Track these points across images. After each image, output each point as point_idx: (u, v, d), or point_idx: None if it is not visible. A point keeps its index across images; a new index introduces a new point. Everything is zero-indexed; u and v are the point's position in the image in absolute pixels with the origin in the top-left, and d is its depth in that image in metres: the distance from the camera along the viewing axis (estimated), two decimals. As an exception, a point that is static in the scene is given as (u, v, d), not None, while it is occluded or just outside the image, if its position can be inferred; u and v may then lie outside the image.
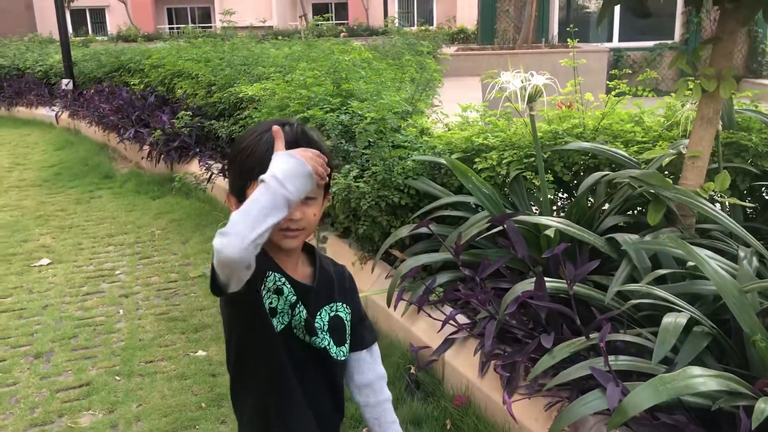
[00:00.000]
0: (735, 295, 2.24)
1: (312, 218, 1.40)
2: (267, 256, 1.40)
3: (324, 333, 1.46)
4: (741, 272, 2.49)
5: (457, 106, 4.28)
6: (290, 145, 1.32)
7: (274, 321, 1.40)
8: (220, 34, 10.42)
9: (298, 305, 1.42)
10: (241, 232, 1.15)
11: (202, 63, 7.74)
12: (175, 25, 36.13)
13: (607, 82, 4.02)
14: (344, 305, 1.53)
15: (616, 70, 4.09)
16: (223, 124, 6.30)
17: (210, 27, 28.62)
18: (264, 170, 1.24)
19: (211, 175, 6.29)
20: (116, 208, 6.54)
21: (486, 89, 3.31)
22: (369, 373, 1.60)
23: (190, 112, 6.87)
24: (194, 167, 6.86)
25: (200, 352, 3.67)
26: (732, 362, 2.31)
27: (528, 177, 3.47)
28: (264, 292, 1.38)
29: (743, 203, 3.14)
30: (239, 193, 1.40)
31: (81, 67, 11.55)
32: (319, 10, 33.76)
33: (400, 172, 3.59)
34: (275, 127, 1.32)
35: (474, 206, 3.49)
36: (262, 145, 1.36)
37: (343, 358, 1.51)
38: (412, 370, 3.03)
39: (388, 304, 3.29)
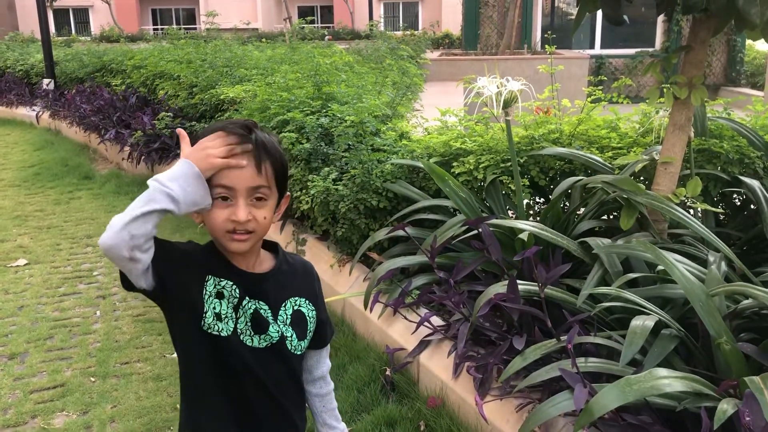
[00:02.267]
0: (702, 299, 2.28)
1: (263, 221, 1.40)
2: (211, 258, 1.43)
3: (286, 326, 1.48)
4: (709, 276, 2.53)
5: (437, 110, 4.32)
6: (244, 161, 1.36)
7: (220, 325, 1.41)
8: (204, 35, 10.38)
9: (243, 303, 1.43)
10: (114, 223, 1.27)
11: (184, 64, 7.73)
12: (159, 26, 35.98)
13: (584, 89, 4.07)
14: (308, 302, 1.54)
15: (591, 77, 4.15)
16: (205, 126, 6.28)
17: (195, 28, 28.52)
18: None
19: (191, 177, 6.26)
20: (95, 209, 6.50)
21: (465, 94, 3.34)
22: (324, 367, 1.66)
23: (171, 114, 6.85)
24: (175, 168, 6.83)
25: (176, 354, 3.66)
26: (699, 365, 2.36)
27: (504, 181, 3.51)
28: (206, 297, 1.40)
29: (714, 209, 3.20)
30: None
31: (63, 67, 11.47)
32: (305, 12, 33.77)
33: (379, 176, 3.61)
34: (179, 129, 1.41)
35: (451, 210, 3.52)
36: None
37: (299, 353, 1.52)
38: (388, 372, 3.05)
39: (365, 307, 3.31)
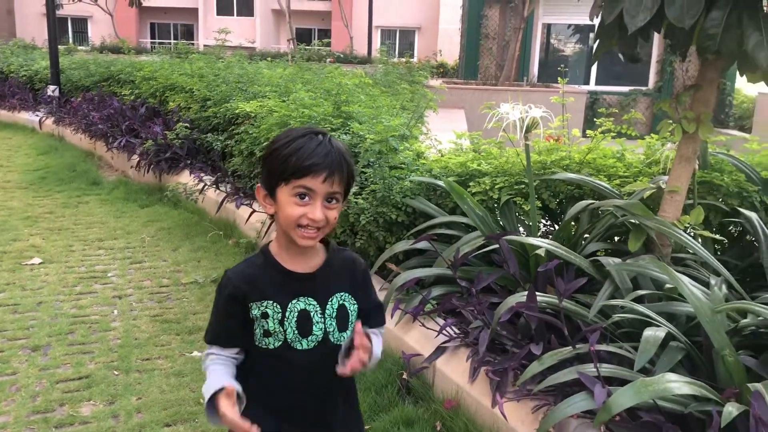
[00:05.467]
0: (708, 315, 2.49)
1: (332, 220, 1.57)
2: (254, 280, 1.61)
3: (332, 319, 1.63)
4: (713, 296, 2.74)
5: (444, 134, 4.55)
6: (327, 167, 1.51)
7: (271, 339, 1.60)
8: (213, 51, 10.61)
9: (288, 313, 1.60)
10: None
11: (196, 78, 7.92)
12: (157, 40, 36.29)
13: (593, 121, 4.31)
14: (350, 297, 1.68)
15: (603, 109, 4.39)
16: (218, 138, 6.47)
17: (192, 44, 28.78)
18: (294, 177, 1.52)
19: (203, 187, 6.43)
20: (105, 214, 6.63)
21: (486, 119, 3.55)
22: (377, 344, 1.71)
23: (187, 125, 7.02)
24: (184, 178, 7.00)
25: (195, 353, 3.80)
26: (702, 375, 2.55)
27: (518, 202, 3.72)
28: (255, 322, 1.62)
29: (714, 236, 3.42)
30: (269, 189, 1.59)
31: (68, 75, 11.63)
32: (302, 34, 34.27)
33: (399, 191, 3.81)
34: (229, 386, 1.54)
35: (466, 226, 3.72)
36: (296, 156, 1.53)
37: (340, 343, 1.65)
38: (404, 376, 3.22)
39: (383, 314, 3.48)
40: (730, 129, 14.14)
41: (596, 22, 3.11)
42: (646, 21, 2.74)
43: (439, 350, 3.15)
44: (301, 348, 1.61)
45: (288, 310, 1.60)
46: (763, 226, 3.39)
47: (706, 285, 2.97)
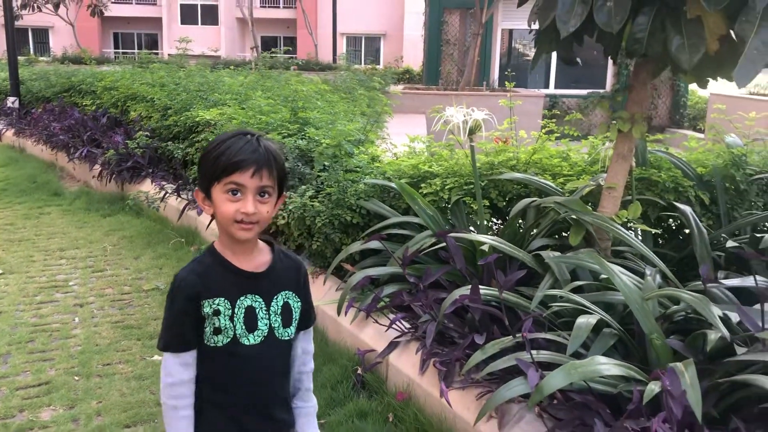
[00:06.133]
0: (638, 302, 2.65)
1: (265, 214, 1.66)
2: (206, 277, 1.69)
3: (276, 316, 1.74)
4: (645, 285, 2.91)
5: (403, 138, 4.69)
6: (254, 162, 1.61)
7: (220, 337, 1.69)
8: (174, 60, 10.64)
9: (236, 309, 1.70)
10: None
11: (157, 87, 7.96)
12: (120, 50, 35.99)
13: (539, 122, 4.49)
14: (295, 295, 1.79)
15: (546, 111, 4.57)
16: (179, 146, 6.52)
17: (157, 53, 28.62)
18: (224, 175, 1.61)
19: (165, 195, 6.47)
20: (66, 224, 6.63)
21: (432, 123, 3.69)
22: (309, 345, 1.89)
23: (148, 133, 7.06)
24: (146, 187, 7.03)
25: (156, 357, 3.86)
26: (635, 359, 2.71)
27: (467, 202, 3.87)
28: (206, 320, 1.69)
29: (652, 230, 3.60)
30: (205, 191, 1.69)
31: (28, 86, 11.55)
32: (267, 42, 34.29)
33: (353, 194, 3.93)
34: None
35: (419, 226, 3.85)
36: (225, 155, 1.63)
37: (287, 338, 1.77)
38: (359, 371, 3.33)
39: (339, 312, 3.60)
40: (684, 129, 14.54)
41: (531, 28, 3.27)
42: (576, 27, 2.90)
43: (392, 345, 3.27)
44: (248, 343, 1.71)
45: (236, 306, 1.69)
46: (697, 219, 3.58)
47: (642, 276, 3.14)
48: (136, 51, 35.78)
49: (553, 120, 4.32)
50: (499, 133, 4.32)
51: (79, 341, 4.05)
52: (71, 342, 4.04)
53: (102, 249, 5.87)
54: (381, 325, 3.38)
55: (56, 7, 23.09)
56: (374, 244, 3.53)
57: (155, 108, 7.45)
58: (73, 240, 6.12)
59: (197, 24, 35.38)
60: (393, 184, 3.89)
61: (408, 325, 3.29)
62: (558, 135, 4.27)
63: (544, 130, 4.30)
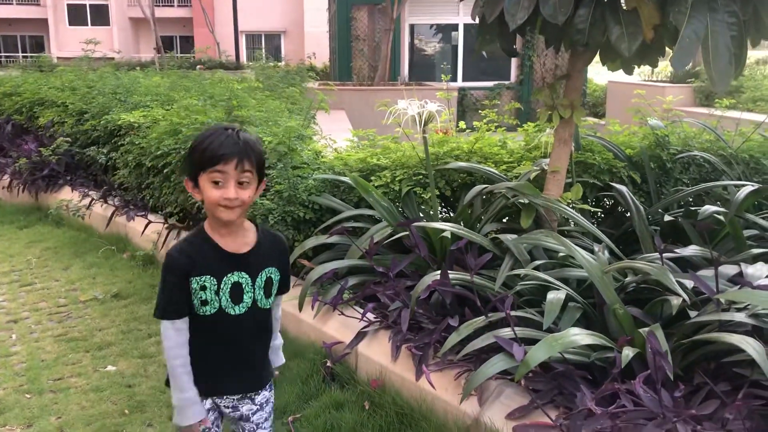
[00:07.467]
0: (599, 275, 2.83)
1: (246, 198, 1.87)
2: (196, 255, 1.90)
3: (260, 289, 1.98)
4: (599, 260, 3.11)
5: (332, 134, 4.76)
6: (236, 154, 1.82)
7: (207, 308, 1.93)
8: (78, 63, 10.16)
9: (223, 285, 1.92)
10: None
11: (68, 91, 7.61)
12: (3, 54, 33.88)
13: (464, 115, 4.65)
14: (276, 270, 2.04)
15: (469, 103, 4.73)
16: (101, 151, 6.28)
17: (39, 57, 27.08)
18: (209, 166, 1.82)
19: (90, 202, 6.22)
20: (-20, 239, 6.25)
21: (365, 117, 3.77)
22: (278, 310, 2.17)
23: (69, 139, 6.75)
24: (65, 195, 6.72)
25: (110, 367, 3.74)
26: (597, 329, 2.88)
27: (417, 192, 3.97)
28: (194, 294, 1.91)
29: (592, 208, 3.83)
30: (193, 180, 1.90)
31: None
32: (163, 41, 33.09)
33: (304, 190, 3.94)
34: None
35: (372, 218, 3.92)
36: (209, 149, 1.83)
37: (268, 307, 2.04)
38: (328, 364, 3.37)
39: (300, 308, 3.62)
40: (586, 116, 15.30)
41: (476, 21, 3.40)
42: (524, 19, 3.06)
43: (360, 335, 3.33)
44: (234, 313, 1.96)
45: (223, 282, 1.93)
46: (633, 197, 3.83)
47: (591, 251, 3.34)
48: (20, 54, 33.86)
49: (494, 110, 4.49)
50: (438, 125, 4.44)
51: (22, 358, 3.86)
52: (13, 359, 3.84)
53: (26, 262, 5.58)
54: (347, 317, 3.43)
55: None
56: (332, 238, 3.57)
57: (68, 113, 7.12)
58: (-10, 255, 5.78)
59: (87, 25, 33.76)
60: (344, 179, 3.94)
61: (375, 315, 3.36)
62: (497, 124, 4.45)
63: (485, 120, 4.47)
